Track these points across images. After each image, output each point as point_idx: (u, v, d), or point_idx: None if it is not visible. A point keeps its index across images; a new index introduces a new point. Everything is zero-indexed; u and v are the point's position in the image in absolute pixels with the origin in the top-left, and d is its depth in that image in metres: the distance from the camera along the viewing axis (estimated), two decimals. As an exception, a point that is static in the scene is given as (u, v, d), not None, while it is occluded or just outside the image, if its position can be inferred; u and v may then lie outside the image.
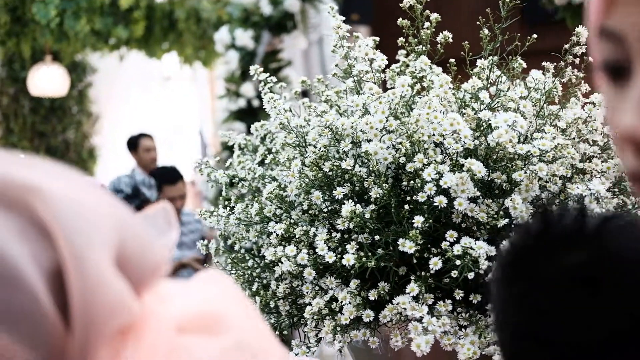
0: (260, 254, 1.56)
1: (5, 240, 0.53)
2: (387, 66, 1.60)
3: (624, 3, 0.53)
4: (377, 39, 1.64)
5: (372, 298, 1.37)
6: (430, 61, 1.58)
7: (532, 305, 0.61)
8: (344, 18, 1.65)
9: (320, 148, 1.46)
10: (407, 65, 1.64)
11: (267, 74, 1.68)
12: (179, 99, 7.93)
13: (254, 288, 1.51)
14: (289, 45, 4.36)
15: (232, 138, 1.74)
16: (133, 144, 5.54)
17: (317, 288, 1.46)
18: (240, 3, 6.74)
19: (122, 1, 5.72)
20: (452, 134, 1.40)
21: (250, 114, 4.23)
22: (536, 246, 0.64)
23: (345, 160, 1.45)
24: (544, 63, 1.49)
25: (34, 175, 0.55)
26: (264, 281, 1.54)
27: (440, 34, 1.64)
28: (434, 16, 1.63)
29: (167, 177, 4.34)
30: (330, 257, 1.37)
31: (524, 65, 1.61)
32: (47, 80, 6.17)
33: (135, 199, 3.67)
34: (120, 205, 0.62)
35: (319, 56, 8.51)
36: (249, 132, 4.40)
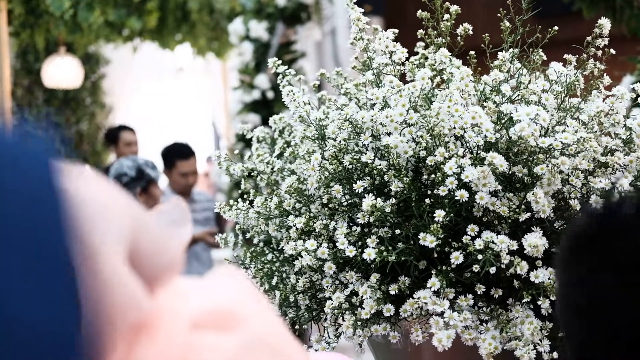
0: (280, 248, 1.56)
1: None
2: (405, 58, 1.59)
3: None
4: (397, 31, 1.63)
5: (392, 292, 1.37)
6: (450, 53, 1.56)
7: (597, 285, 0.62)
8: (362, 10, 1.64)
9: (340, 141, 1.46)
10: (426, 58, 1.63)
11: (285, 67, 1.67)
12: (192, 90, 7.94)
13: (274, 282, 1.51)
14: (303, 36, 4.34)
15: (251, 131, 1.73)
16: (112, 136, 5.39)
17: (337, 282, 1.46)
18: (254, -6, 6.73)
19: (135, -8, 5.72)
20: (473, 127, 1.39)
21: (264, 106, 4.22)
22: (600, 231, 0.65)
23: (365, 153, 1.44)
24: (565, 56, 1.48)
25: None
26: (283, 275, 1.54)
27: (460, 26, 1.63)
28: (454, 8, 1.62)
29: (181, 152, 4.36)
30: (350, 252, 1.36)
31: (544, 57, 1.59)
32: (60, 71, 6.18)
33: (141, 181, 3.68)
34: (134, 203, 0.62)
35: (332, 47, 8.49)
36: (263, 124, 4.41)
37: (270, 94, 4.21)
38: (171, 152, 4.39)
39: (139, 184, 3.68)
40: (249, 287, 0.68)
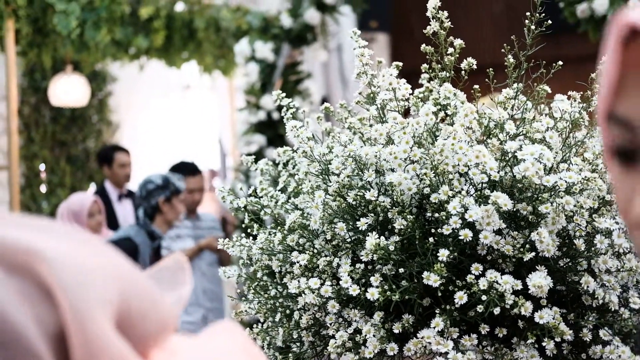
0: (283, 282, 1.55)
1: (8, 303, 0.53)
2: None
3: (631, 92, 0.54)
4: (400, 64, 1.63)
5: (396, 331, 1.36)
6: (454, 89, 1.56)
7: None
8: (366, 43, 1.65)
9: (343, 178, 1.45)
10: (431, 91, 1.63)
11: (290, 100, 1.68)
12: (199, 107, 7.95)
13: (277, 318, 1.51)
14: (309, 57, 4.35)
15: (256, 165, 1.73)
16: (106, 157, 5.37)
17: (340, 319, 1.45)
18: (260, 12, 6.76)
19: (142, 11, 5.74)
20: (477, 165, 1.38)
21: (270, 127, 4.23)
22: None
23: (369, 189, 1.44)
24: (570, 92, 1.47)
25: (36, 238, 0.56)
26: (287, 310, 1.53)
27: (465, 60, 1.63)
28: (458, 42, 1.62)
29: (188, 170, 4.43)
30: (354, 290, 1.36)
31: (548, 90, 1.59)
32: (67, 90, 6.20)
33: (166, 190, 3.73)
34: (125, 263, 0.62)
35: (338, 64, 8.51)
36: (269, 144, 4.40)
37: (275, 115, 4.21)
38: (178, 170, 4.44)
39: (164, 192, 3.73)
40: (246, 344, 0.67)
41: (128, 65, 6.40)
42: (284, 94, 1.68)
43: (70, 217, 4.20)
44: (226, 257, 4.43)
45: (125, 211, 5.16)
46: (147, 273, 0.72)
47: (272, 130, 4.23)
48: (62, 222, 4.21)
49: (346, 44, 8.95)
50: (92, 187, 6.57)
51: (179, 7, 6.12)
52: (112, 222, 4.95)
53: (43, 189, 6.46)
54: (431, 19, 1.63)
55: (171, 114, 7.72)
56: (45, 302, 0.54)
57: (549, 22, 1.57)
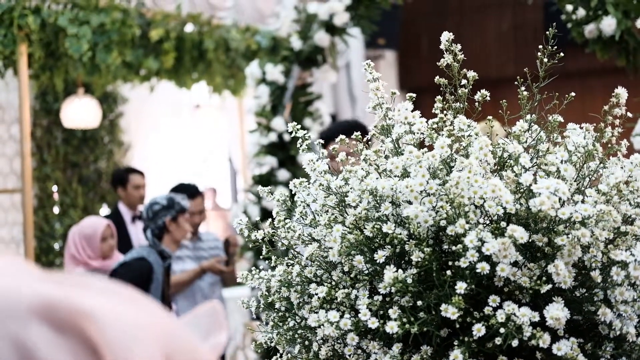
0: (301, 314, 1.57)
1: None
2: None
3: None
4: (414, 95, 1.65)
5: (415, 363, 1.38)
6: (468, 120, 1.59)
7: None
8: (378, 75, 1.67)
9: (361, 211, 1.47)
10: (444, 121, 1.65)
11: (305, 131, 1.70)
12: (209, 126, 8.00)
13: (296, 350, 1.52)
14: (319, 79, 4.38)
15: (273, 195, 1.75)
16: (121, 179, 5.41)
17: (359, 351, 1.47)
18: (269, 32, 6.81)
19: (152, 33, 5.80)
20: (493, 198, 1.40)
21: (281, 148, 4.26)
22: None
23: (386, 222, 1.46)
24: (584, 125, 1.49)
25: (83, 297, 0.58)
26: (306, 342, 1.55)
27: (478, 92, 1.65)
28: (471, 74, 1.65)
29: (188, 192, 4.43)
30: (373, 323, 1.38)
31: (561, 119, 1.61)
32: (79, 112, 6.25)
33: (171, 209, 3.77)
34: (166, 317, 0.65)
35: (347, 82, 8.54)
36: (280, 166, 4.41)
37: (286, 137, 4.24)
38: (178, 192, 4.45)
39: (169, 212, 3.78)
40: None
41: (138, 87, 6.45)
42: (299, 126, 1.70)
43: (83, 241, 4.21)
44: (229, 278, 4.43)
45: (138, 233, 5.19)
46: (184, 320, 0.75)
47: (283, 152, 4.25)
48: (73, 247, 4.22)
49: (354, 62, 9.00)
50: (105, 209, 6.60)
51: (189, 28, 6.17)
52: (126, 244, 4.97)
53: (56, 210, 6.50)
54: (445, 52, 1.65)
55: (181, 133, 7.76)
56: (91, 358, 0.57)
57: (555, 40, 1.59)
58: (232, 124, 7.64)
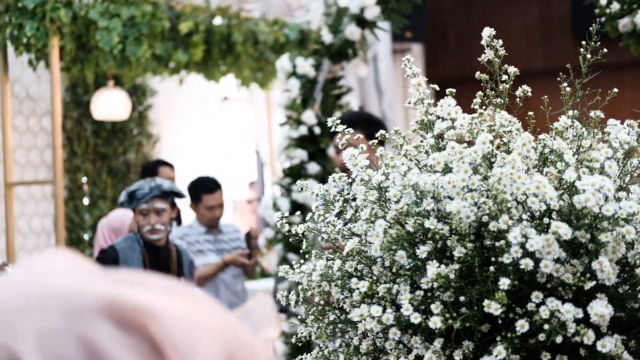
0: (340, 307, 1.58)
1: (127, 359, 0.57)
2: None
3: None
4: (454, 90, 1.65)
5: (457, 358, 1.38)
6: (510, 116, 1.58)
7: None
8: (418, 70, 1.67)
9: (402, 206, 1.48)
10: (482, 115, 1.65)
11: (346, 126, 1.71)
12: (236, 119, 8.03)
13: (337, 344, 1.53)
14: (349, 72, 4.38)
15: (310, 188, 1.76)
16: (151, 171, 5.42)
17: (400, 345, 1.47)
18: (297, 25, 6.82)
19: (181, 26, 5.83)
20: (536, 194, 1.40)
21: (311, 141, 4.27)
22: None
23: (427, 217, 1.46)
24: (627, 121, 1.48)
25: (147, 297, 0.60)
26: (346, 336, 1.56)
27: (519, 87, 1.65)
28: (512, 70, 1.64)
29: (206, 186, 4.44)
30: (415, 318, 1.38)
31: (602, 115, 1.60)
32: (109, 104, 6.30)
33: (131, 204, 3.68)
34: (226, 315, 0.66)
35: (374, 74, 8.53)
36: (310, 159, 4.41)
37: (317, 130, 4.25)
38: (197, 187, 4.46)
39: (130, 205, 3.71)
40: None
41: (167, 79, 6.49)
42: (338, 121, 1.71)
43: (111, 233, 4.25)
44: (251, 270, 4.44)
45: (168, 225, 5.22)
46: (235, 315, 0.76)
47: (313, 145, 4.26)
48: (102, 238, 4.26)
49: (381, 54, 8.98)
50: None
51: (217, 21, 6.20)
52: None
53: (86, 201, 6.57)
54: (486, 47, 1.65)
55: (209, 126, 7.80)
56: (153, 356, 0.58)
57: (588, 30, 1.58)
58: (259, 117, 7.66)
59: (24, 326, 0.57)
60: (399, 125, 10.08)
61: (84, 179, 6.58)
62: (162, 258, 3.70)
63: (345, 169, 3.18)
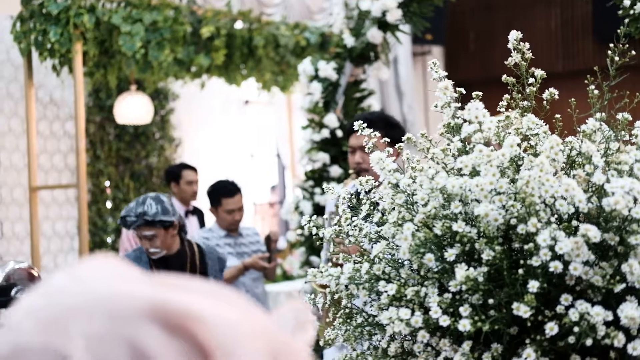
0: (369, 311, 1.59)
1: None
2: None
3: None
4: (480, 94, 1.65)
5: (486, 361, 1.39)
6: (537, 119, 1.59)
7: None
8: (444, 74, 1.68)
9: (430, 209, 1.48)
10: (509, 118, 1.65)
11: (372, 130, 1.71)
12: (257, 122, 8.06)
13: (365, 346, 1.54)
14: (371, 75, 4.39)
15: (337, 191, 1.77)
16: (174, 174, 5.47)
17: (428, 348, 1.48)
18: (317, 28, 6.83)
19: (203, 30, 5.87)
20: (564, 197, 1.40)
21: (333, 144, 4.28)
22: None
23: (455, 220, 1.47)
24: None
25: (193, 301, 0.61)
26: (374, 338, 1.57)
27: (546, 90, 1.65)
28: (539, 73, 1.64)
29: (226, 190, 4.45)
30: (444, 321, 1.39)
31: (629, 118, 1.60)
32: (132, 108, 6.36)
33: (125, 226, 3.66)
34: (267, 318, 0.67)
35: (394, 76, 8.52)
36: (332, 162, 4.42)
37: (339, 133, 4.26)
38: (217, 190, 4.47)
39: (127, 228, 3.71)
40: None
41: (189, 83, 6.54)
42: (365, 124, 1.72)
43: (135, 237, 4.29)
44: (271, 273, 4.45)
45: (192, 227, 5.26)
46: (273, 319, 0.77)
47: (335, 148, 4.27)
48: (127, 242, 4.28)
49: (402, 57, 8.98)
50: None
51: (239, 25, 6.23)
52: (179, 239, 5.03)
53: (108, 204, 6.62)
54: (512, 50, 1.65)
55: (230, 129, 7.84)
56: (199, 359, 0.59)
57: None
58: (280, 120, 7.69)
59: (73, 330, 0.58)
60: (419, 127, 10.07)
61: (107, 183, 6.64)
62: (172, 266, 3.67)
63: (359, 170, 3.19)
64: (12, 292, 4.48)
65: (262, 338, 0.63)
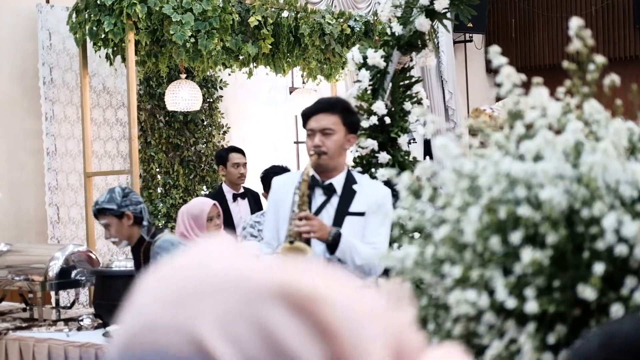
0: (433, 293, 1.63)
1: (299, 343, 0.60)
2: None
3: None
4: (541, 80, 1.68)
5: (551, 341, 1.42)
6: (599, 105, 1.61)
7: None
8: (505, 60, 1.71)
9: (495, 194, 1.52)
10: (569, 105, 1.67)
11: (432, 117, 1.75)
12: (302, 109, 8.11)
13: (431, 328, 1.59)
14: (419, 63, 4.41)
15: (393, 177, 1.81)
16: (221, 158, 5.59)
17: (492, 329, 1.52)
18: (362, 17, 6.86)
19: (251, 19, 5.94)
20: (628, 182, 1.42)
21: (381, 131, 4.32)
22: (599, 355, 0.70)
23: (520, 204, 1.50)
24: None
25: (316, 283, 0.63)
26: (438, 320, 1.61)
27: (606, 75, 1.67)
28: (600, 60, 1.66)
29: (279, 174, 4.48)
30: (511, 303, 1.42)
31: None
32: (181, 96, 6.47)
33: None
34: (379, 298, 0.70)
35: (437, 64, 8.51)
36: (380, 149, 4.44)
37: (387, 120, 4.30)
38: (270, 175, 4.52)
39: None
40: None
41: (236, 71, 6.62)
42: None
43: (191, 221, 4.38)
44: None
45: (241, 211, 5.33)
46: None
47: (383, 135, 4.31)
48: (182, 225, 4.37)
49: (443, 44, 8.94)
50: (204, 189, 6.82)
51: (285, 14, 6.30)
52: (228, 222, 5.11)
53: (159, 190, 6.76)
54: (573, 37, 1.67)
55: (276, 116, 7.91)
56: (325, 342, 0.61)
57: None
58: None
59: (203, 308, 0.59)
60: (461, 114, 10.02)
61: (158, 169, 6.77)
62: (137, 257, 3.79)
63: (319, 153, 3.19)
64: (72, 274, 4.62)
65: (382, 320, 0.65)
